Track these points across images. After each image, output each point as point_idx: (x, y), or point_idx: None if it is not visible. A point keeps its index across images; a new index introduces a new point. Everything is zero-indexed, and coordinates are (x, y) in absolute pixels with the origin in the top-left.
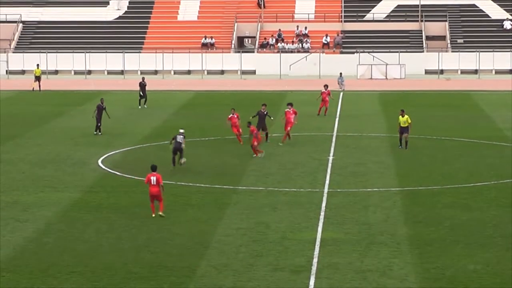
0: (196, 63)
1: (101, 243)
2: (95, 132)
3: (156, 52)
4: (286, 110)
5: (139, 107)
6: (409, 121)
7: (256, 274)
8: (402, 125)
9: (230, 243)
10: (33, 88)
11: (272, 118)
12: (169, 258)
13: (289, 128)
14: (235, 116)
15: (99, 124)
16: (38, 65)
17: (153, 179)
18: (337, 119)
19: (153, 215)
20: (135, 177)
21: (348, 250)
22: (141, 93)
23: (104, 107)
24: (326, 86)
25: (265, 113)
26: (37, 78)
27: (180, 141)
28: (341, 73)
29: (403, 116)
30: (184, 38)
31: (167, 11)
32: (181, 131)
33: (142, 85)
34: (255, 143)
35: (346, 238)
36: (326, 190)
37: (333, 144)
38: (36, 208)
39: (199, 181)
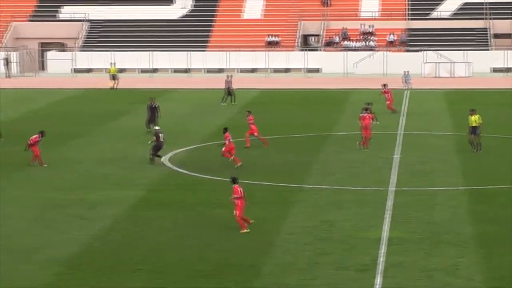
0: (260, 62)
1: (166, 241)
2: (148, 129)
3: (221, 51)
4: (362, 115)
5: (224, 103)
6: (480, 120)
7: (321, 272)
8: (472, 124)
9: (295, 242)
10: (112, 86)
11: (378, 122)
12: (234, 256)
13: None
14: (250, 118)
15: (151, 123)
16: (114, 63)
17: (241, 190)
18: (402, 117)
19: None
20: (200, 175)
21: (414, 249)
22: (228, 91)
23: (155, 105)
24: (385, 85)
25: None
26: (113, 77)
27: (162, 140)
28: (407, 71)
29: (473, 116)
30: (249, 37)
31: (231, 9)
32: (158, 128)
33: (227, 82)
34: (226, 152)
35: (411, 237)
36: (391, 188)
37: (398, 143)
38: (102, 206)
39: (263, 179)
